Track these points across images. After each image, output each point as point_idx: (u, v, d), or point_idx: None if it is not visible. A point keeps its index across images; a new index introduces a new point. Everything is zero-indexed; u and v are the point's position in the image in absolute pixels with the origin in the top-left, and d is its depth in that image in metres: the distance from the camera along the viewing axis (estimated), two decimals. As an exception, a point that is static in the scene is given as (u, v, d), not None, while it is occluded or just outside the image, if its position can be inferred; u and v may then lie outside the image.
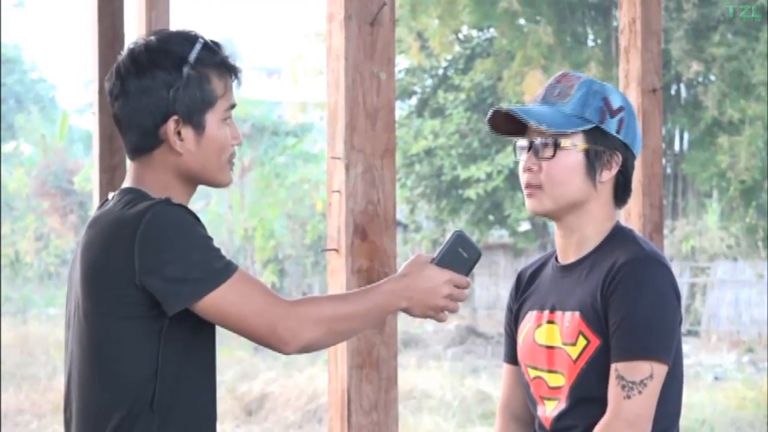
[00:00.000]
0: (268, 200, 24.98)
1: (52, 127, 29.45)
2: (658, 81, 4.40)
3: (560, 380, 2.47)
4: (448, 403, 12.04)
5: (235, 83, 2.37)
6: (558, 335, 2.47)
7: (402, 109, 23.91)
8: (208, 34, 2.36)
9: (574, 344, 2.44)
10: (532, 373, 2.53)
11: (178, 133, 2.30)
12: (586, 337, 2.43)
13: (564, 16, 20.53)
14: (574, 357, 2.44)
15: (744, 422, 11.20)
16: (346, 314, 2.27)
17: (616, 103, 2.50)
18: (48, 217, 26.55)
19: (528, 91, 18.65)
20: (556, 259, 2.58)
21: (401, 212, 24.28)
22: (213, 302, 2.20)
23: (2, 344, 14.46)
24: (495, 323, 20.59)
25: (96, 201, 4.76)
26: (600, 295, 2.41)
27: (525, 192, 2.52)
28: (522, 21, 20.25)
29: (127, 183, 2.35)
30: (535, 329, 2.53)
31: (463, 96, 22.68)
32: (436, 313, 2.33)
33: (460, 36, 23.20)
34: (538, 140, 2.48)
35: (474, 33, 23.35)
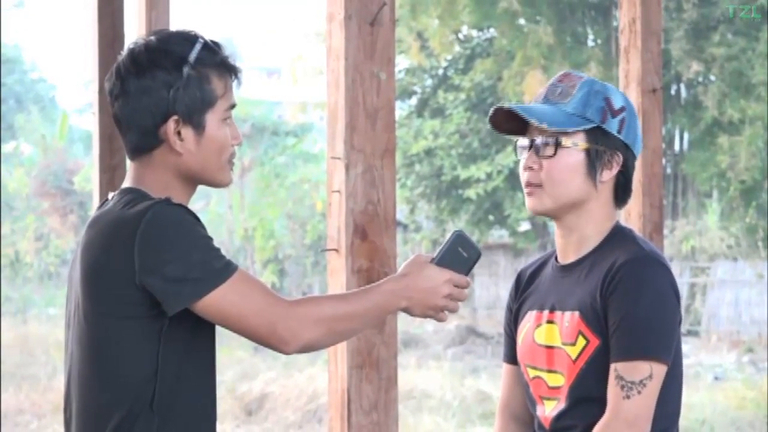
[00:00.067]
0: (268, 200, 24.98)
1: (52, 127, 29.45)
2: (658, 81, 4.40)
3: (559, 380, 2.47)
4: (448, 403, 12.04)
5: (235, 83, 2.37)
6: (557, 335, 2.48)
7: (402, 109, 23.91)
8: (207, 34, 2.36)
9: (573, 344, 2.44)
10: (532, 372, 2.53)
11: (178, 133, 2.30)
12: (585, 337, 2.43)
13: (564, 16, 20.53)
14: (573, 357, 2.44)
15: (744, 422, 11.20)
16: (346, 314, 2.27)
17: (617, 104, 2.50)
18: (48, 217, 26.55)
19: (528, 91, 18.65)
20: (556, 258, 2.58)
21: (401, 212, 24.29)
22: (213, 302, 2.20)
23: (2, 344, 14.47)
24: (495, 323, 20.59)
25: (96, 201, 4.76)
26: (599, 295, 2.41)
27: (525, 191, 2.52)
28: (522, 21, 20.25)
29: (127, 183, 2.35)
30: (534, 329, 2.54)
31: (463, 96, 22.68)
32: (436, 312, 2.33)
33: (460, 36, 23.20)
34: (539, 139, 2.48)
35: (474, 33, 23.35)
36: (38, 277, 25.34)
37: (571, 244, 2.53)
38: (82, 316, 2.28)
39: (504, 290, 21.60)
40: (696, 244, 20.73)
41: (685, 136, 21.76)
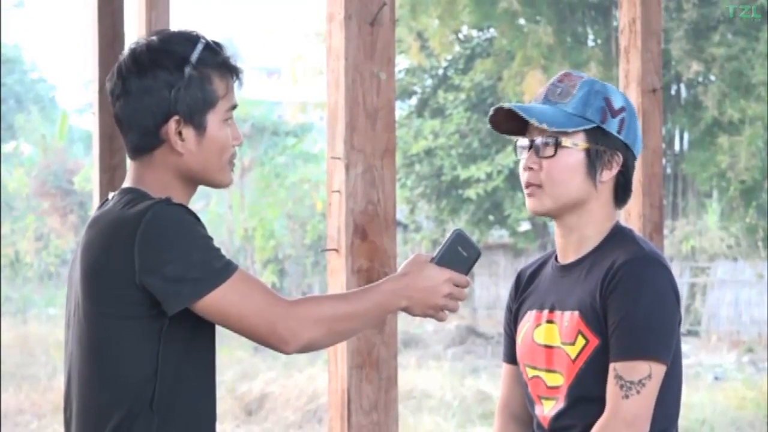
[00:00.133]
0: (268, 200, 24.98)
1: (52, 127, 29.44)
2: (658, 81, 4.40)
3: (559, 380, 2.47)
4: (448, 403, 12.04)
5: (236, 84, 2.37)
6: (557, 335, 2.48)
7: (402, 109, 23.92)
8: (208, 34, 2.36)
9: (573, 344, 2.44)
10: (531, 372, 2.54)
11: (179, 134, 2.30)
12: (585, 337, 2.43)
13: (564, 16, 20.53)
14: (572, 356, 2.44)
15: (744, 422, 11.20)
16: (346, 314, 2.27)
17: (617, 104, 2.50)
18: (48, 217, 26.54)
19: (528, 91, 18.66)
20: (556, 258, 2.58)
21: (401, 212, 24.29)
22: (213, 302, 2.20)
23: (2, 344, 14.47)
24: (495, 323, 20.59)
25: (96, 201, 4.76)
26: (599, 294, 2.41)
27: (525, 192, 2.52)
28: (522, 21, 20.26)
29: (127, 183, 2.35)
30: (534, 329, 2.54)
31: (463, 96, 22.68)
32: (436, 312, 2.33)
33: (460, 36, 23.20)
34: (539, 139, 2.48)
35: (474, 33, 23.36)
36: (38, 277, 25.33)
37: (571, 244, 2.53)
38: (82, 315, 2.28)
39: (504, 290, 21.60)
40: (696, 244, 20.73)
41: (685, 136, 21.76)
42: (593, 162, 2.48)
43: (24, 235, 25.63)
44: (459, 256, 2.33)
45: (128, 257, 2.19)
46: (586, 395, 2.42)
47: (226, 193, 23.88)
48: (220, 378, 11.41)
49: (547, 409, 2.50)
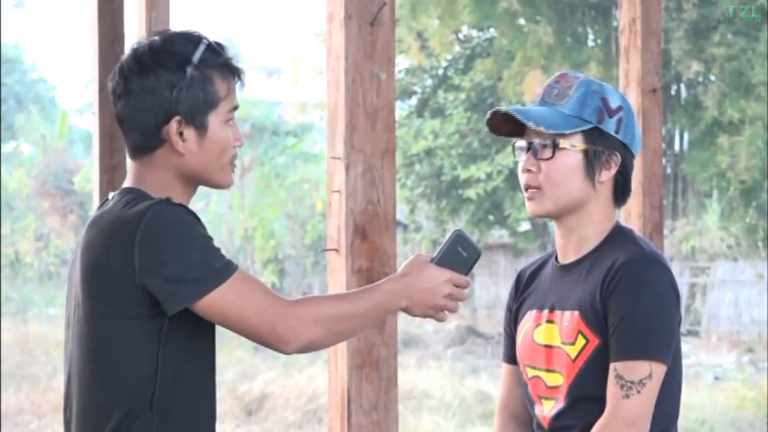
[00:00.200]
0: (268, 200, 24.98)
1: (52, 127, 29.45)
2: (658, 81, 4.40)
3: (558, 379, 2.47)
4: (448, 403, 12.04)
5: (238, 85, 2.37)
6: (557, 335, 2.48)
7: (402, 109, 23.92)
8: (209, 34, 2.37)
9: (573, 344, 2.44)
10: (530, 372, 2.54)
11: (180, 134, 2.31)
12: (585, 337, 2.43)
13: (564, 16, 20.54)
14: (573, 356, 2.44)
15: (744, 422, 11.20)
16: (346, 314, 2.27)
17: (614, 103, 2.50)
18: (48, 217, 26.54)
19: (528, 91, 18.65)
20: (556, 258, 2.58)
21: (401, 212, 24.29)
22: (213, 302, 2.20)
23: (2, 344, 14.47)
24: (495, 323, 20.59)
25: (96, 201, 4.76)
26: (599, 294, 2.42)
27: (525, 195, 2.52)
28: (522, 21, 20.26)
29: (127, 183, 2.35)
30: (534, 329, 2.54)
31: (463, 96, 22.68)
32: (436, 312, 2.33)
33: (460, 36, 23.20)
34: (536, 141, 2.48)
35: (474, 33, 23.36)
36: (38, 277, 25.33)
37: (571, 244, 2.53)
38: (82, 315, 2.28)
39: (504, 290, 21.60)
40: (696, 244, 20.73)
41: (685, 136, 21.76)
42: (591, 163, 2.48)
43: (24, 235, 25.64)
44: (459, 256, 2.33)
45: (128, 257, 2.20)
46: (586, 395, 2.43)
47: (226, 193, 23.87)
48: (220, 378, 11.41)
49: (547, 409, 2.50)
